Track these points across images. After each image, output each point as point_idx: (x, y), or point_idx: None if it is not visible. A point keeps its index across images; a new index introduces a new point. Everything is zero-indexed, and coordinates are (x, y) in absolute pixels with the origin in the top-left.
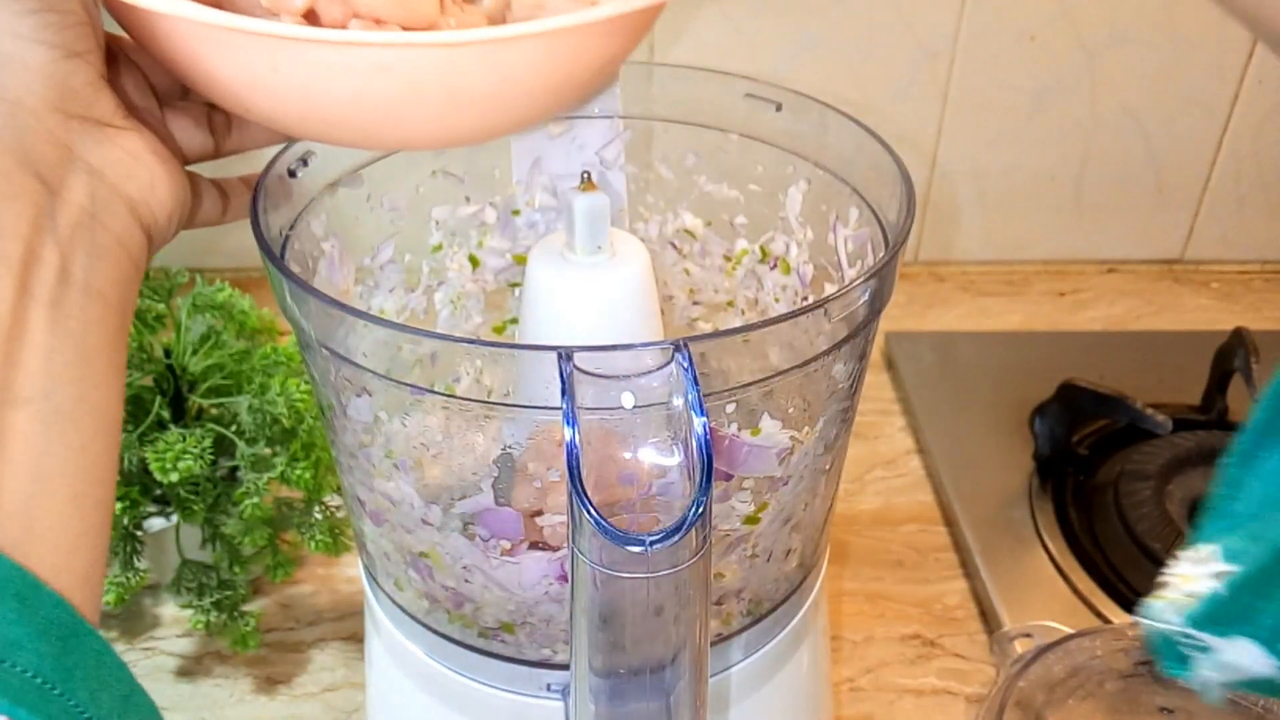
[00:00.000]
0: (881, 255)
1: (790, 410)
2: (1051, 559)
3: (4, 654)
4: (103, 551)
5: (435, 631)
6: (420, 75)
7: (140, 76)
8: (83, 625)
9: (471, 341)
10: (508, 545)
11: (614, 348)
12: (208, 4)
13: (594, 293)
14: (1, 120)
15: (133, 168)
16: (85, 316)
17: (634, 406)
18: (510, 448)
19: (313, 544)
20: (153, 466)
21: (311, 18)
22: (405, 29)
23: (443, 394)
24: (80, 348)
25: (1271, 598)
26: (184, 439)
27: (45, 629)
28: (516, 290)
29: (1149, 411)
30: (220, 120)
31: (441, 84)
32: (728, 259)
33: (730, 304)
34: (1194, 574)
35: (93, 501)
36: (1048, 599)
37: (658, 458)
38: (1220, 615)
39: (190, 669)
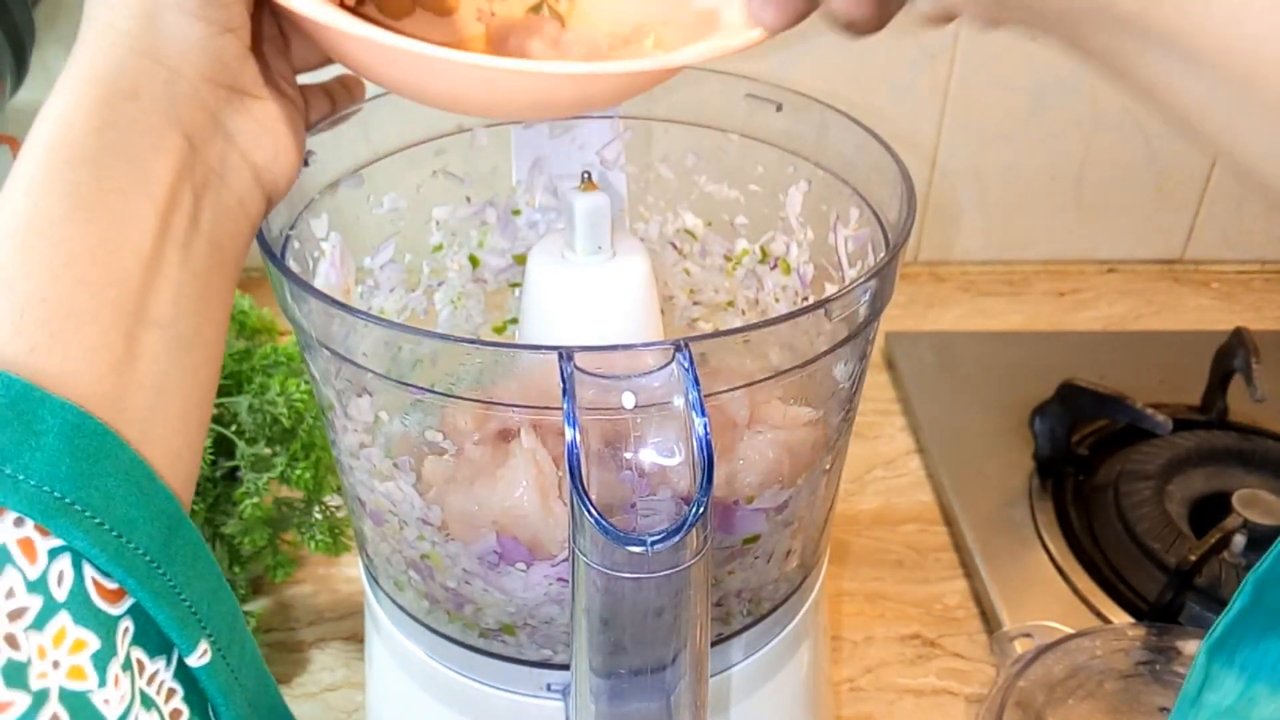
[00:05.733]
0: (882, 255)
1: None
2: (1051, 559)
3: (124, 530)
4: (196, 465)
5: (436, 632)
6: (511, 86)
7: (284, 46)
8: (185, 521)
9: (471, 341)
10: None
11: (615, 348)
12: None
13: (594, 293)
14: (160, 86)
15: (262, 137)
16: (208, 261)
17: (635, 407)
18: None
19: (313, 544)
20: None
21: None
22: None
23: (443, 394)
24: (201, 286)
25: None
26: None
27: (157, 516)
28: (517, 290)
29: (1149, 411)
30: (340, 89)
31: (527, 92)
32: (728, 259)
33: (730, 304)
34: None
35: (196, 420)
36: (1048, 599)
37: (658, 458)
38: None
39: None
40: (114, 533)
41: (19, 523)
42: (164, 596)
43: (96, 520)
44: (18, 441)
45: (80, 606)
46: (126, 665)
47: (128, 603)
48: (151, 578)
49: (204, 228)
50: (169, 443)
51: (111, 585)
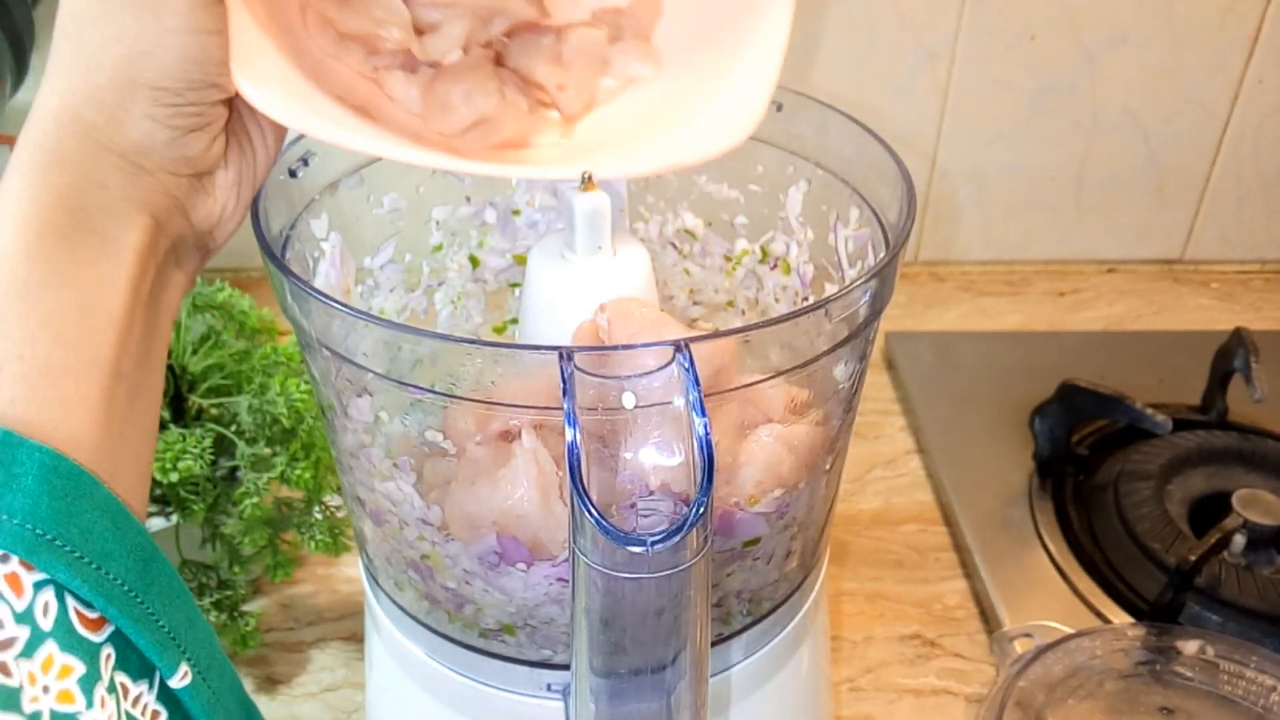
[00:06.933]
0: (882, 255)
1: None
2: (1051, 559)
3: (103, 563)
4: (145, 499)
5: (436, 632)
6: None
7: None
8: (157, 553)
9: (472, 341)
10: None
11: (615, 348)
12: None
13: (594, 293)
14: (126, 179)
15: (211, 207)
16: (157, 318)
17: (635, 407)
18: None
19: (313, 544)
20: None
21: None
22: None
23: (443, 394)
24: (149, 341)
25: None
26: (184, 439)
27: (132, 549)
28: (516, 290)
29: (1149, 411)
30: None
31: None
32: (728, 259)
33: (730, 304)
34: None
35: (145, 457)
36: (1048, 599)
37: (659, 458)
38: None
39: None
40: (93, 565)
41: (4, 559)
42: (143, 623)
43: (76, 554)
44: (0, 484)
45: (65, 635)
46: (111, 688)
47: (108, 630)
48: (131, 606)
49: (156, 291)
50: (127, 480)
51: (92, 614)
